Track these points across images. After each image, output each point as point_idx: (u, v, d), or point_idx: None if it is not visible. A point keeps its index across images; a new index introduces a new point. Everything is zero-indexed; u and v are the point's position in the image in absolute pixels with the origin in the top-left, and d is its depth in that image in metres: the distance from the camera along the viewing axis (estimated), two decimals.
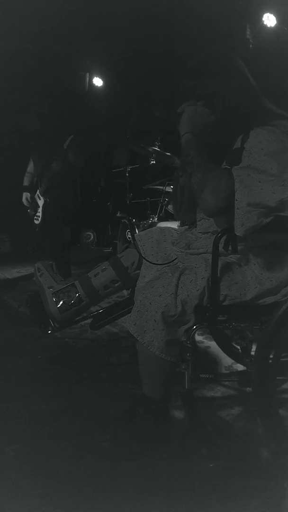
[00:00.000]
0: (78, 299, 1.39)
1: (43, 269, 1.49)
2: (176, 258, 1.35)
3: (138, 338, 1.15)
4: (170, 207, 3.81)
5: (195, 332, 1.21)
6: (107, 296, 1.45)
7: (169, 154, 3.29)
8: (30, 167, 3.87)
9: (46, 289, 1.42)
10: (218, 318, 1.18)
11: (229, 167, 1.10)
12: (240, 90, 1.19)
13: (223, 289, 1.16)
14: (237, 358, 1.70)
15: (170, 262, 1.35)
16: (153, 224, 3.68)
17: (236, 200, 1.06)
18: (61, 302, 1.38)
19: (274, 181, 1.05)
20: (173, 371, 1.21)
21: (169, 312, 1.12)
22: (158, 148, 3.40)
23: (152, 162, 3.45)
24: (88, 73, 5.43)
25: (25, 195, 3.81)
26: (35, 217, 3.81)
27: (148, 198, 4.13)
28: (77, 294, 1.39)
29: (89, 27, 4.29)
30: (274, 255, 1.20)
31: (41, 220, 3.76)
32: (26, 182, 3.85)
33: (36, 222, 3.81)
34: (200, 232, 1.33)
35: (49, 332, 1.45)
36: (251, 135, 1.10)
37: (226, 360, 1.78)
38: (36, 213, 3.79)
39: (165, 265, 1.33)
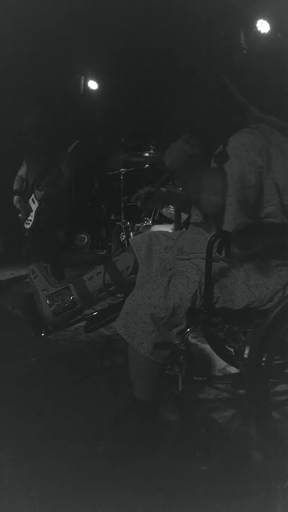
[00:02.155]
0: (72, 303, 1.38)
1: (37, 271, 1.49)
2: (171, 269, 1.36)
3: (128, 340, 1.15)
4: (164, 210, 3.83)
5: (189, 335, 1.21)
6: (102, 299, 1.45)
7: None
8: (22, 171, 3.84)
9: (40, 292, 1.41)
10: (212, 321, 1.19)
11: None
12: (225, 109, 1.26)
13: (215, 291, 1.17)
14: (230, 361, 1.71)
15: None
16: (148, 227, 3.69)
17: (229, 196, 1.10)
18: (55, 305, 1.38)
19: (261, 172, 1.13)
20: (163, 374, 1.22)
21: (158, 314, 1.12)
22: (153, 150, 3.41)
23: (146, 165, 3.47)
24: (83, 76, 5.45)
25: (17, 199, 3.79)
26: (26, 221, 3.79)
27: None
28: (71, 297, 1.38)
29: (84, 30, 4.31)
30: (260, 262, 1.21)
31: (32, 224, 3.73)
32: (16, 186, 3.82)
33: (27, 226, 3.78)
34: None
35: (43, 334, 1.44)
36: (231, 140, 1.15)
37: (220, 362, 1.79)
38: (28, 217, 3.77)
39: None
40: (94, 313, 1.51)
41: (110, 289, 1.41)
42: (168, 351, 1.16)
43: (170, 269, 1.33)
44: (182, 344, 1.20)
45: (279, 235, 1.20)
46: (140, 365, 1.19)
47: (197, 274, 1.17)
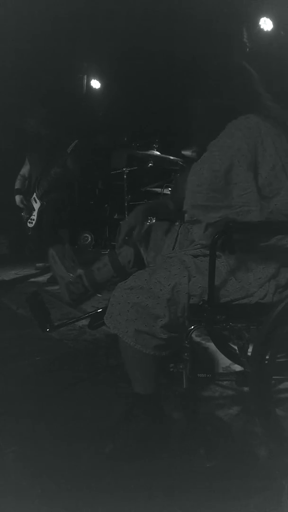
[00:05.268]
0: (85, 289, 1.55)
1: (55, 256, 1.62)
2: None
3: (114, 330, 1.17)
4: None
5: (192, 332, 1.22)
6: (111, 286, 1.50)
7: (169, 157, 3.30)
8: (24, 170, 3.85)
9: (59, 278, 1.59)
10: (216, 319, 1.19)
11: None
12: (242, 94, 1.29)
13: (203, 287, 1.17)
14: (234, 358, 1.71)
15: None
16: None
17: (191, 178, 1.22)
18: (71, 293, 1.56)
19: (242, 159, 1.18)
20: (156, 366, 1.22)
21: (141, 303, 1.13)
22: (156, 149, 3.42)
23: (150, 164, 3.47)
24: (86, 75, 5.46)
25: (19, 198, 3.80)
26: (29, 220, 3.81)
27: (146, 200, 4.15)
28: (83, 285, 1.55)
29: (86, 29, 4.31)
30: (244, 257, 1.21)
31: (35, 223, 3.75)
32: (18, 185, 3.83)
33: (30, 225, 3.80)
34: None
35: (48, 330, 1.49)
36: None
37: (224, 360, 1.79)
38: (31, 216, 3.78)
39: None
40: (98, 310, 1.53)
41: (116, 279, 1.51)
42: (155, 341, 1.16)
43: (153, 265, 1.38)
44: (186, 342, 1.21)
45: (264, 231, 1.21)
46: (130, 356, 1.20)
47: (179, 268, 1.18)
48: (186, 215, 1.27)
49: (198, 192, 1.18)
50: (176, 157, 3.39)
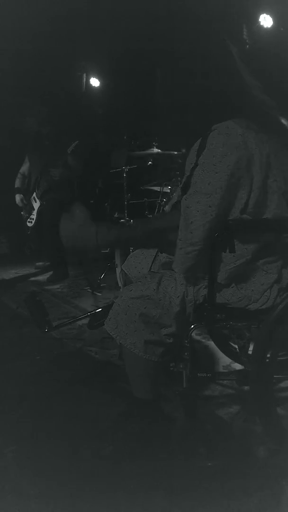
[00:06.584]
0: None
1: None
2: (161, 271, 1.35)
3: (120, 341, 1.15)
4: (167, 207, 3.82)
5: (192, 331, 1.21)
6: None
7: (169, 153, 3.28)
8: (24, 168, 3.84)
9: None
10: (216, 318, 1.18)
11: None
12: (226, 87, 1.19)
13: (202, 290, 1.16)
14: (234, 357, 1.71)
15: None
16: None
17: (179, 240, 1.09)
18: None
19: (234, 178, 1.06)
20: (160, 371, 1.22)
21: (148, 313, 1.12)
22: (156, 148, 3.40)
23: (149, 163, 3.46)
24: (85, 74, 5.44)
25: (19, 197, 3.79)
26: (28, 220, 3.80)
27: (146, 199, 4.13)
28: None
29: (85, 27, 4.30)
30: (246, 264, 1.17)
31: (35, 222, 3.74)
32: (18, 184, 3.82)
33: (29, 224, 3.79)
34: None
35: (46, 330, 1.48)
36: (210, 137, 1.09)
37: (224, 359, 1.78)
38: (30, 215, 3.77)
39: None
40: (98, 310, 1.52)
41: None
42: (162, 348, 1.15)
43: (160, 271, 1.33)
44: (186, 341, 1.20)
45: (264, 230, 1.17)
46: (135, 364, 1.19)
47: (184, 276, 1.16)
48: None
49: (191, 252, 1.09)
50: (176, 156, 3.39)
